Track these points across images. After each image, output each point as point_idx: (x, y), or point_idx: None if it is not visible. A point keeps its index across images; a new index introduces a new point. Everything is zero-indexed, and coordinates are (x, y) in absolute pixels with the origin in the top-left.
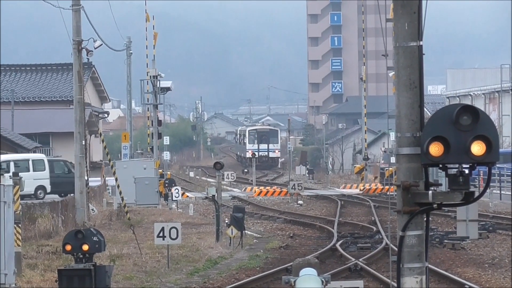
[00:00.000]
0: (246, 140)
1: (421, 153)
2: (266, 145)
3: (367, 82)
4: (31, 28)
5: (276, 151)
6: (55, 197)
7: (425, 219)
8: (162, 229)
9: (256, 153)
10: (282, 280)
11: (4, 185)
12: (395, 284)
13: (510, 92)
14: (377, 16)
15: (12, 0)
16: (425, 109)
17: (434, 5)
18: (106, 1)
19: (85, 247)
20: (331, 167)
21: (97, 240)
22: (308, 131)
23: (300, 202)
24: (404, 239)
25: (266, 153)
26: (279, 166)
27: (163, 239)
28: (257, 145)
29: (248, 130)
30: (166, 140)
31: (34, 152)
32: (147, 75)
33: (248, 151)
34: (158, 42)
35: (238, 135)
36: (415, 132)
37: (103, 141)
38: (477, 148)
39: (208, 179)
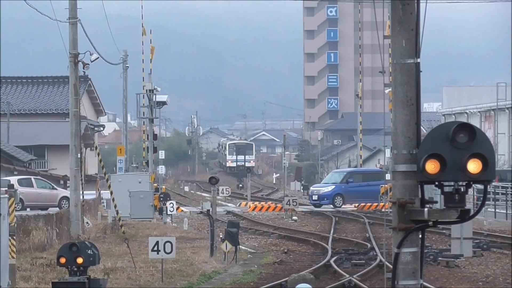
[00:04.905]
0: (227, 152)
1: (417, 170)
2: (243, 156)
3: (363, 99)
4: (26, 38)
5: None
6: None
7: (420, 236)
8: (157, 243)
9: (235, 163)
10: None
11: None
12: None
13: (506, 111)
14: (373, 32)
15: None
16: (421, 126)
17: (431, 22)
18: (103, 14)
19: (80, 260)
20: None
21: (91, 253)
22: (304, 147)
23: (294, 218)
24: (399, 256)
25: (243, 163)
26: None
27: (158, 253)
28: (235, 156)
29: (228, 144)
30: (162, 154)
31: (29, 164)
32: (143, 89)
33: (228, 161)
34: (154, 56)
35: (220, 147)
36: (411, 149)
37: (98, 154)
38: (473, 166)
39: (203, 194)
